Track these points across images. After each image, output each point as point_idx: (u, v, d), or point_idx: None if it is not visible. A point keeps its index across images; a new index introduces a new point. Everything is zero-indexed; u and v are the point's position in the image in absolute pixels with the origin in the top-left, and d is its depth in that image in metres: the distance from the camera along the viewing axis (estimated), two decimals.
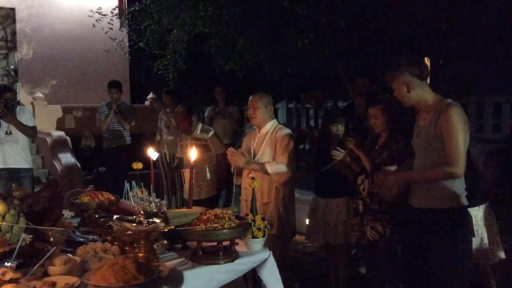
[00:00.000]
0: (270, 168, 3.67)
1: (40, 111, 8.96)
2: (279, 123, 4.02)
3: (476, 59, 6.19)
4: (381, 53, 6.57)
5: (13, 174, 5.55)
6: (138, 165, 3.52)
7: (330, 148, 4.07)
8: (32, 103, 9.00)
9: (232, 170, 4.06)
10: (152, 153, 3.26)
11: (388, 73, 2.90)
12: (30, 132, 5.74)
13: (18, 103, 8.84)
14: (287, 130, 3.83)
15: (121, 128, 6.83)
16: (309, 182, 4.44)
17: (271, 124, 3.89)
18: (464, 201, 2.82)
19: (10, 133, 5.46)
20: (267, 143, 3.82)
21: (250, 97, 3.90)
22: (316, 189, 4.30)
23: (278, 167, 3.67)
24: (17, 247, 2.11)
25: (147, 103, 10.25)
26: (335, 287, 4.35)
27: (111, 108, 6.74)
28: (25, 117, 5.64)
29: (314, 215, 4.24)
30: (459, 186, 2.80)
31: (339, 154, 3.86)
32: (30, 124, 5.70)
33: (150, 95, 10.30)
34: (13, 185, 5.50)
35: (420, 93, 2.83)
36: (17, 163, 5.54)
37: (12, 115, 5.38)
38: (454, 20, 5.60)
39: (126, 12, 9.10)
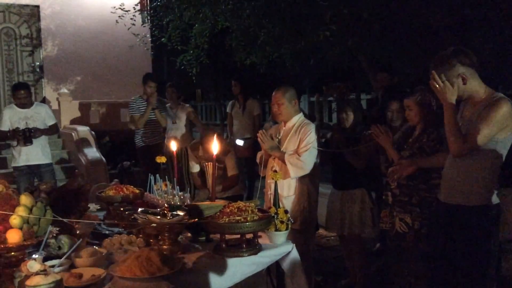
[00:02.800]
0: (288, 159, 3.65)
1: (65, 107, 9.12)
2: (304, 114, 3.99)
3: (502, 49, 6.04)
4: (404, 44, 6.47)
5: (33, 169, 5.71)
6: (161, 159, 3.55)
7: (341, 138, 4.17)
8: (57, 99, 9.15)
9: (257, 160, 4.07)
10: (174, 146, 3.29)
11: (436, 68, 2.67)
12: (54, 132, 6.01)
13: (44, 99, 9.02)
14: (312, 126, 3.80)
15: (158, 125, 6.51)
16: (329, 175, 4.46)
17: (297, 118, 3.86)
18: (494, 199, 2.72)
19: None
20: (292, 137, 3.80)
21: (273, 93, 3.86)
22: (333, 181, 4.35)
23: (296, 161, 3.65)
24: (44, 239, 2.15)
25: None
26: (353, 278, 4.38)
27: (150, 103, 6.32)
28: (43, 115, 5.77)
29: (332, 207, 4.27)
30: (489, 182, 2.70)
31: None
32: (50, 122, 5.86)
33: None
34: (35, 179, 5.71)
35: (474, 84, 2.68)
36: (38, 159, 5.73)
37: (37, 133, 5.59)
38: (479, 10, 5.48)
39: (148, 8, 9.16)
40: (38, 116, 5.74)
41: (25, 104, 5.70)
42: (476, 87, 2.70)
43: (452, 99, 2.64)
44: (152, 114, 6.37)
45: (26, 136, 5.49)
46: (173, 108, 6.80)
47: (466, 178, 2.72)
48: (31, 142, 5.54)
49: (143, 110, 6.36)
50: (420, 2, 5.60)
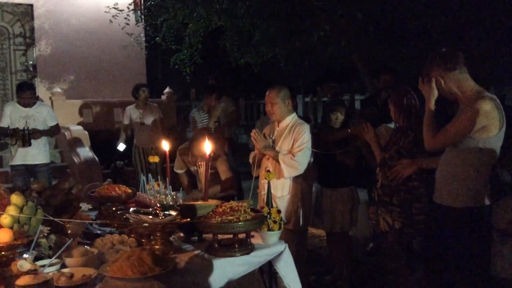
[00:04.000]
0: (282, 159, 3.65)
1: (58, 106, 9.06)
2: (298, 116, 3.99)
3: (495, 49, 6.07)
4: (398, 45, 6.49)
5: (30, 169, 5.68)
6: (154, 159, 3.54)
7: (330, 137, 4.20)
8: (50, 98, 9.10)
9: (250, 160, 4.06)
10: (166, 146, 3.25)
11: (422, 69, 2.88)
12: (54, 133, 6.03)
13: (37, 98, 8.96)
14: (306, 126, 3.79)
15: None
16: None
17: (290, 118, 3.86)
18: (485, 201, 2.74)
19: (28, 127, 5.56)
20: (286, 137, 3.79)
21: (267, 92, 3.86)
22: (320, 179, 4.36)
23: (290, 161, 3.64)
24: (35, 239, 2.14)
25: (163, 97, 10.30)
26: (338, 274, 4.44)
27: (213, 115, 5.88)
28: (44, 115, 5.74)
29: (319, 204, 4.29)
30: (477, 184, 2.72)
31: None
32: (51, 122, 5.84)
33: (167, 90, 10.35)
34: (32, 179, 5.67)
35: (454, 85, 2.75)
36: (35, 159, 5.69)
37: (36, 135, 5.55)
38: (472, 10, 5.50)
39: (142, 7, 9.13)
40: (39, 115, 5.71)
41: (27, 103, 5.68)
42: (461, 86, 2.75)
43: (431, 99, 2.84)
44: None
45: (25, 138, 5.45)
46: (140, 108, 6.89)
47: (454, 180, 2.75)
48: (30, 144, 5.51)
49: (205, 122, 5.97)
50: (414, 4, 5.61)
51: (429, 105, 2.86)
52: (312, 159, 3.84)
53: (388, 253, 3.49)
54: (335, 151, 4.08)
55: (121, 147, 7.09)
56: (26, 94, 5.61)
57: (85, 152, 7.65)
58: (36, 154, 5.70)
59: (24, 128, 5.49)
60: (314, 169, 3.99)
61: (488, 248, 3.06)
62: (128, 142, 7.16)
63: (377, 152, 3.60)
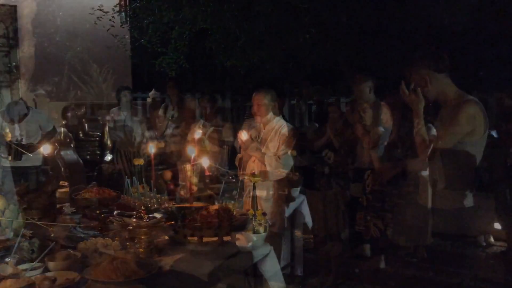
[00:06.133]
0: (267, 161, 3.65)
1: (42, 108, 8.93)
2: (284, 119, 4.00)
3: (479, 54, 6.14)
4: (382, 48, 6.54)
5: (20, 171, 5.64)
6: (139, 161, 3.52)
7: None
8: (34, 100, 8.97)
9: (236, 163, 4.06)
10: (152, 149, 3.26)
11: (406, 68, 2.84)
12: (49, 139, 5.97)
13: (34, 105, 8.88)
14: (291, 127, 3.81)
15: None
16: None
17: (276, 121, 3.87)
18: (467, 202, 2.76)
19: (21, 139, 5.53)
20: (271, 140, 3.80)
21: (254, 94, 3.87)
22: (310, 183, 4.37)
23: (275, 163, 3.65)
24: (17, 242, 2.11)
25: (149, 99, 10.24)
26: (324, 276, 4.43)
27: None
28: (38, 120, 5.73)
29: (312, 208, 4.29)
30: (460, 185, 2.73)
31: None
32: (47, 127, 5.86)
33: (152, 92, 10.29)
34: (22, 181, 5.60)
35: (439, 87, 2.75)
36: (27, 161, 5.65)
37: (32, 149, 5.50)
38: (456, 15, 5.56)
39: (128, 9, 9.07)
40: (32, 126, 5.68)
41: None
42: (443, 89, 2.77)
43: (420, 108, 2.75)
44: None
45: (17, 154, 5.39)
46: (124, 111, 6.86)
47: (440, 182, 2.76)
48: (20, 159, 5.44)
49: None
50: (399, 7, 5.66)
51: (418, 114, 2.77)
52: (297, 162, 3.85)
53: (379, 256, 3.49)
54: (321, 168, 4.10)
55: (108, 157, 7.10)
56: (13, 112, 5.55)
57: (70, 154, 7.57)
58: (30, 156, 5.63)
59: (17, 141, 5.44)
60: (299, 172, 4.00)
61: (474, 249, 3.09)
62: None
63: (376, 162, 3.54)
